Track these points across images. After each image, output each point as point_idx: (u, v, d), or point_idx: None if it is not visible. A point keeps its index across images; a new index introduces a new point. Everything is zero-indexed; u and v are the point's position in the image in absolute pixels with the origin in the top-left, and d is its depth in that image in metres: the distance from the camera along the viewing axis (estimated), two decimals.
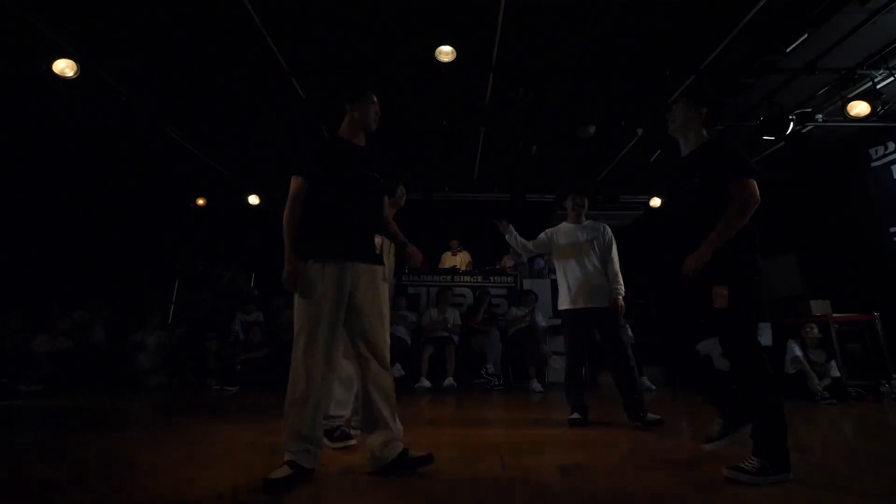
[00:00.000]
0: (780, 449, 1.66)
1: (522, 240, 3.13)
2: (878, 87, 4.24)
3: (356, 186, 1.86)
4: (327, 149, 1.88)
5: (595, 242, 3.01)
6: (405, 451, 1.74)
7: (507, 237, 3.12)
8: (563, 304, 3.00)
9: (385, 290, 1.98)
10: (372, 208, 1.91)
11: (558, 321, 5.95)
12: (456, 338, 5.25)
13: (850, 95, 4.35)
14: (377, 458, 1.71)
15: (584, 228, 3.07)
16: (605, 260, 2.99)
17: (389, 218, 2.13)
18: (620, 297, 2.89)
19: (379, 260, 1.90)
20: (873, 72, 4.18)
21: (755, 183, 1.78)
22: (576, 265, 2.96)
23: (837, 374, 4.29)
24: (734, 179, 1.78)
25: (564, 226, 3.14)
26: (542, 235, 3.18)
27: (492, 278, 6.38)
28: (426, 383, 4.78)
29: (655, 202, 7.25)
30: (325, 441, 2.08)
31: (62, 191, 6.29)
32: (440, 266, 6.91)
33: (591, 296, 2.89)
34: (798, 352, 4.42)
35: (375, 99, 2.01)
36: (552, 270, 7.04)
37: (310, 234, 1.78)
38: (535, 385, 4.76)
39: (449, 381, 4.82)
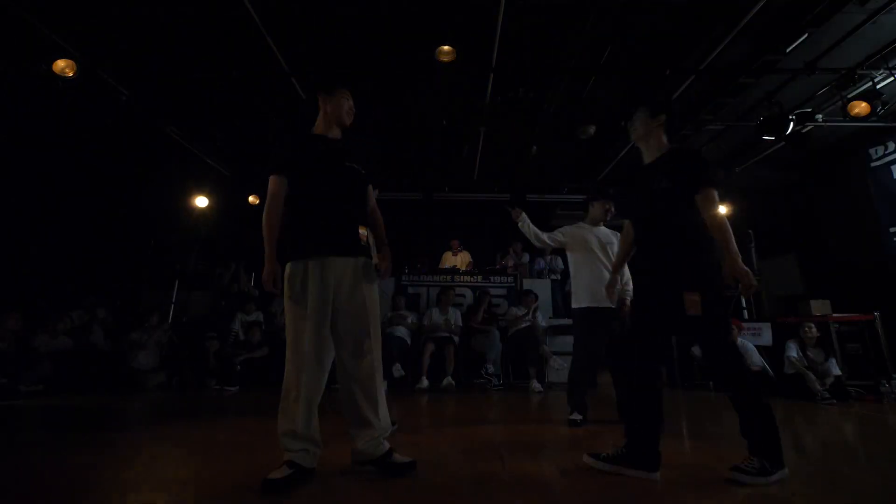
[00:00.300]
0: (776, 446, 1.69)
1: (535, 228, 3.10)
2: (878, 87, 4.24)
3: (334, 180, 1.82)
4: (302, 146, 1.85)
5: (610, 248, 3.05)
6: (390, 451, 1.73)
7: (519, 225, 3.10)
8: (582, 301, 2.97)
9: (374, 282, 1.90)
10: (354, 200, 1.88)
11: (558, 321, 5.95)
12: (456, 338, 5.25)
13: (850, 95, 4.35)
14: (360, 453, 1.73)
15: (603, 233, 3.11)
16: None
17: (375, 208, 2.04)
18: (628, 299, 2.93)
19: (366, 252, 1.84)
20: (873, 72, 4.19)
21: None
22: (597, 265, 2.99)
23: (838, 371, 4.29)
24: (704, 187, 1.82)
25: (584, 226, 3.15)
26: (560, 230, 3.15)
27: (492, 278, 6.37)
28: (426, 383, 4.78)
29: None
30: None
31: (62, 191, 6.29)
32: (441, 265, 6.91)
33: (605, 297, 2.92)
34: (794, 353, 4.43)
35: (349, 93, 1.96)
36: (552, 271, 7.05)
37: (291, 232, 1.78)
38: (535, 385, 4.75)
39: (447, 380, 4.82)
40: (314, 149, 1.85)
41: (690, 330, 1.86)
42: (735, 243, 1.78)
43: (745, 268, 1.74)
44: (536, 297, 5.57)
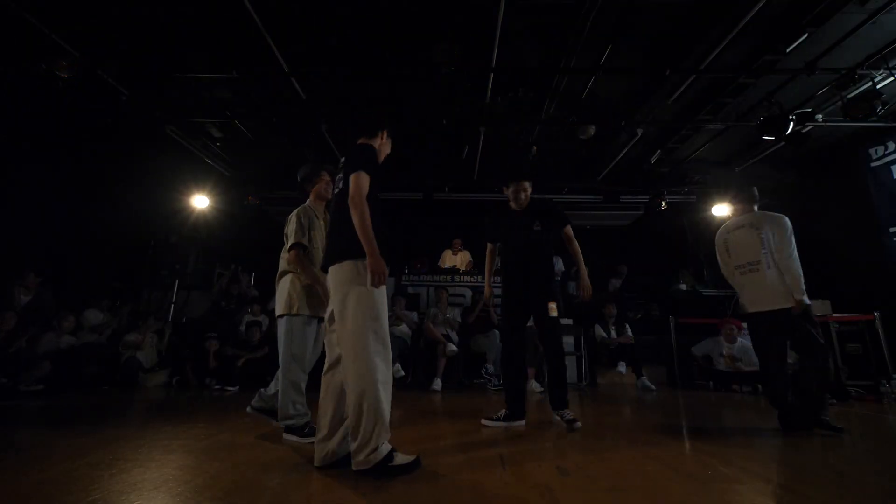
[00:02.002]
0: (516, 405, 2.76)
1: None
2: (878, 87, 4.24)
3: (379, 199, 1.99)
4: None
5: None
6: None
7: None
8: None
9: None
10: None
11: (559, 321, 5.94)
12: (455, 336, 5.25)
13: (850, 95, 4.35)
14: (333, 453, 1.81)
15: None
16: None
17: None
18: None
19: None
20: (873, 72, 4.19)
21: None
22: None
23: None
24: (568, 225, 2.96)
25: None
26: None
27: (492, 278, 6.37)
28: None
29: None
30: (295, 437, 2.30)
31: (62, 191, 6.28)
32: (440, 264, 6.91)
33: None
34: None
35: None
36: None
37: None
38: (535, 385, 4.75)
39: (436, 382, 4.84)
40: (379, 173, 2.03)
41: (548, 327, 2.85)
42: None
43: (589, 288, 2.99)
44: None
